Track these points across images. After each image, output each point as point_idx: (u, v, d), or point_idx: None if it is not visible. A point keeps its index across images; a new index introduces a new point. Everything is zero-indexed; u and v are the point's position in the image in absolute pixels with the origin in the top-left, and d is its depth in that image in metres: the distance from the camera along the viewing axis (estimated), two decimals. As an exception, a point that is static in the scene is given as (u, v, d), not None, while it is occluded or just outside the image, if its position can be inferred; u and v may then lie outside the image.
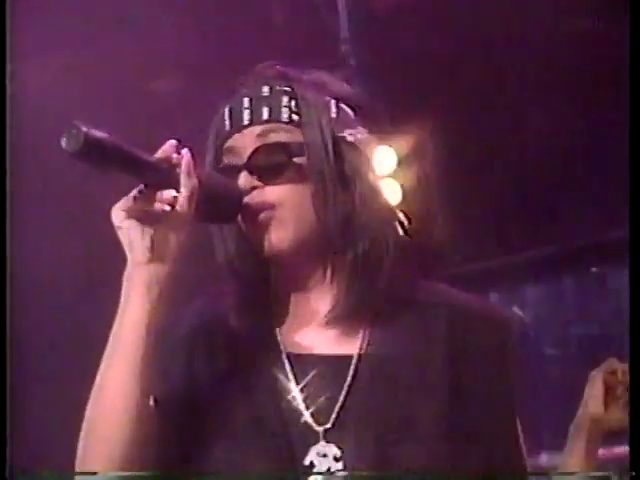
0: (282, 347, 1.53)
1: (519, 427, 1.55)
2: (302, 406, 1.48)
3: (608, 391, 2.37)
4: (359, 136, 1.59)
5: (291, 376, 1.50)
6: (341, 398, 1.48)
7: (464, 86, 4.37)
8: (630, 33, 1.78)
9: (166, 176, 1.44)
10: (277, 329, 1.55)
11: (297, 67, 1.62)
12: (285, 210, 1.52)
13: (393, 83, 4.41)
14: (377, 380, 1.49)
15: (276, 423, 1.47)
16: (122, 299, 1.45)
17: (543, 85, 4.36)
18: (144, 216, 1.44)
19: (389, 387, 1.48)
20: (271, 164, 1.52)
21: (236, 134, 1.56)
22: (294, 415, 1.48)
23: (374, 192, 1.57)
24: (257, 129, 1.54)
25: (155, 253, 1.43)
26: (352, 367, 1.50)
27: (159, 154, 1.46)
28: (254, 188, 1.52)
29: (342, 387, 1.48)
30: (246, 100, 1.56)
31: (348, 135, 1.57)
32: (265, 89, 1.56)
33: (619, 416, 2.42)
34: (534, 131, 4.48)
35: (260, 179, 1.53)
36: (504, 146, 4.45)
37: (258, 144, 1.54)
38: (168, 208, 1.44)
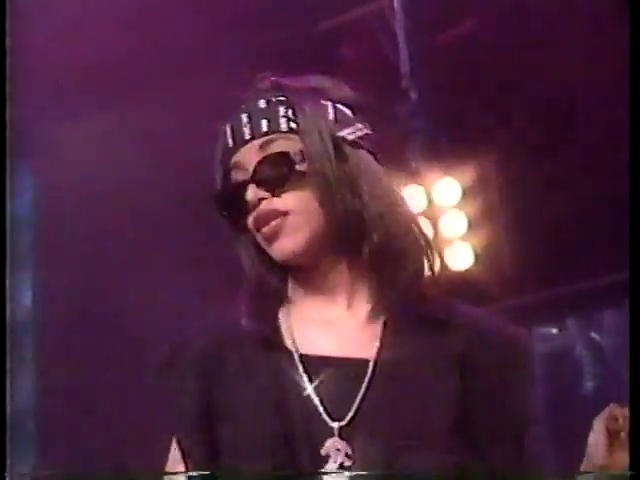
0: (295, 350, 1.54)
1: (527, 445, 1.56)
2: (319, 405, 1.50)
3: (611, 438, 2.32)
4: (359, 133, 1.60)
5: (305, 377, 1.51)
6: (357, 401, 1.49)
7: (526, 116, 4.37)
8: (630, 33, 1.76)
9: None
10: (291, 332, 1.57)
11: (290, 75, 1.63)
12: (295, 216, 1.55)
13: (455, 115, 4.43)
14: (392, 386, 1.51)
15: (290, 419, 1.49)
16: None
17: (608, 111, 4.34)
18: None
19: (403, 395, 1.50)
20: (275, 174, 1.55)
21: (240, 150, 1.59)
22: (309, 412, 1.49)
23: (381, 185, 1.59)
24: (258, 142, 1.58)
25: None
26: (369, 372, 1.51)
27: None
28: (262, 199, 1.56)
29: (357, 391, 1.50)
30: (244, 116, 1.59)
31: (348, 134, 1.59)
32: (262, 102, 1.59)
33: (625, 462, 2.38)
34: (602, 160, 4.46)
35: (267, 190, 1.56)
36: (569, 174, 4.44)
37: (261, 156, 1.57)
38: None
